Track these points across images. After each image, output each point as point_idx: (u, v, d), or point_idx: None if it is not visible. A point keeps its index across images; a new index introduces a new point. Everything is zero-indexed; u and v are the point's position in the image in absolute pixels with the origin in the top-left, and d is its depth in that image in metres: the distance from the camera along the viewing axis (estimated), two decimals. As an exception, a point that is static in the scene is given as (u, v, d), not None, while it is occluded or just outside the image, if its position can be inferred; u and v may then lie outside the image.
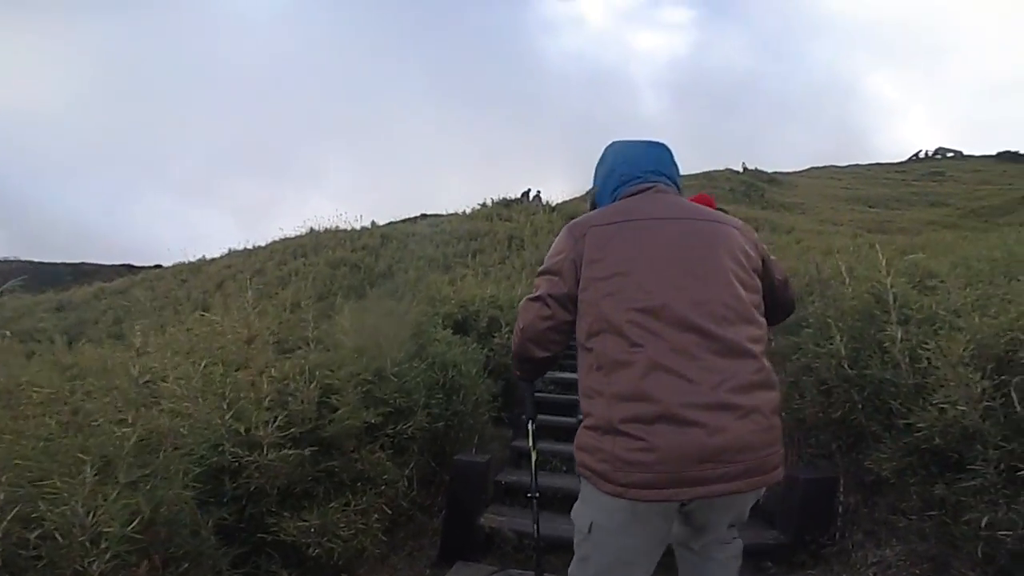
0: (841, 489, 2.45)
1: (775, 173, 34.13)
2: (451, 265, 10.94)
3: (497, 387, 4.70)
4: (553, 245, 1.38)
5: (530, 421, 1.78)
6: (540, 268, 1.39)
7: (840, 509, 2.42)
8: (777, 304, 1.45)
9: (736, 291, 1.24)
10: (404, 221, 19.18)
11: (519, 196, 20.11)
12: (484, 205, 21.49)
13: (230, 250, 17.25)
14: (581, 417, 1.28)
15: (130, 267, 24.29)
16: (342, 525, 1.99)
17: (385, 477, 2.34)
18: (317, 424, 2.19)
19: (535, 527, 1.76)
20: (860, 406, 2.27)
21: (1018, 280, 2.10)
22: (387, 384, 2.68)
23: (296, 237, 13.98)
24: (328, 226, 14.20)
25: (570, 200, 22.27)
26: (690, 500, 1.15)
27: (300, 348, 2.69)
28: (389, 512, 2.31)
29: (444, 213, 19.82)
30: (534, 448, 1.79)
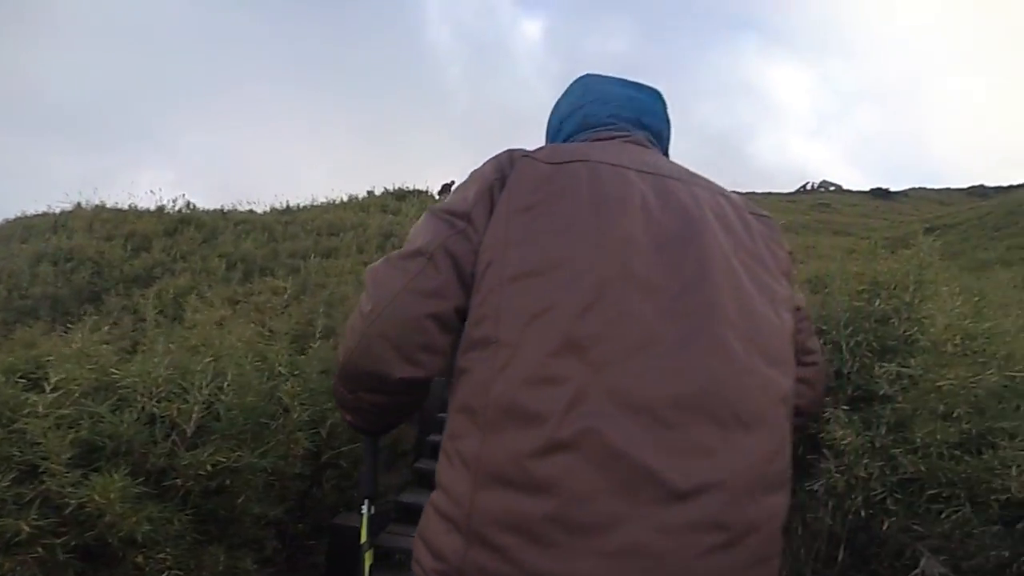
0: None
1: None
2: (272, 268, 6.91)
3: None
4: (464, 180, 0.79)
5: (366, 500, 1.02)
6: (433, 206, 0.77)
7: None
8: None
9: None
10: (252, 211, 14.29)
11: (440, 189, 16.47)
12: (371, 194, 17.42)
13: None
14: None
15: None
16: None
17: None
18: None
19: None
20: None
21: None
22: None
23: (36, 215, 8.89)
24: (106, 201, 9.28)
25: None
26: None
27: None
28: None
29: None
30: (368, 545, 0.99)
